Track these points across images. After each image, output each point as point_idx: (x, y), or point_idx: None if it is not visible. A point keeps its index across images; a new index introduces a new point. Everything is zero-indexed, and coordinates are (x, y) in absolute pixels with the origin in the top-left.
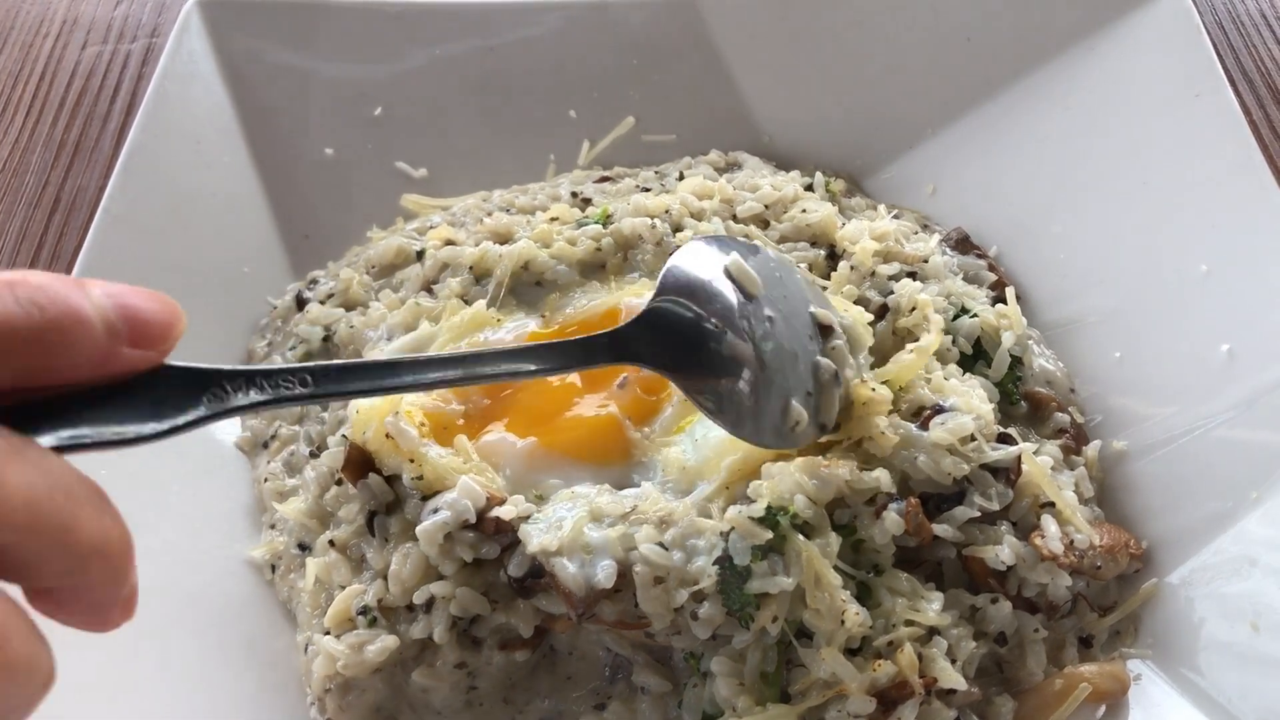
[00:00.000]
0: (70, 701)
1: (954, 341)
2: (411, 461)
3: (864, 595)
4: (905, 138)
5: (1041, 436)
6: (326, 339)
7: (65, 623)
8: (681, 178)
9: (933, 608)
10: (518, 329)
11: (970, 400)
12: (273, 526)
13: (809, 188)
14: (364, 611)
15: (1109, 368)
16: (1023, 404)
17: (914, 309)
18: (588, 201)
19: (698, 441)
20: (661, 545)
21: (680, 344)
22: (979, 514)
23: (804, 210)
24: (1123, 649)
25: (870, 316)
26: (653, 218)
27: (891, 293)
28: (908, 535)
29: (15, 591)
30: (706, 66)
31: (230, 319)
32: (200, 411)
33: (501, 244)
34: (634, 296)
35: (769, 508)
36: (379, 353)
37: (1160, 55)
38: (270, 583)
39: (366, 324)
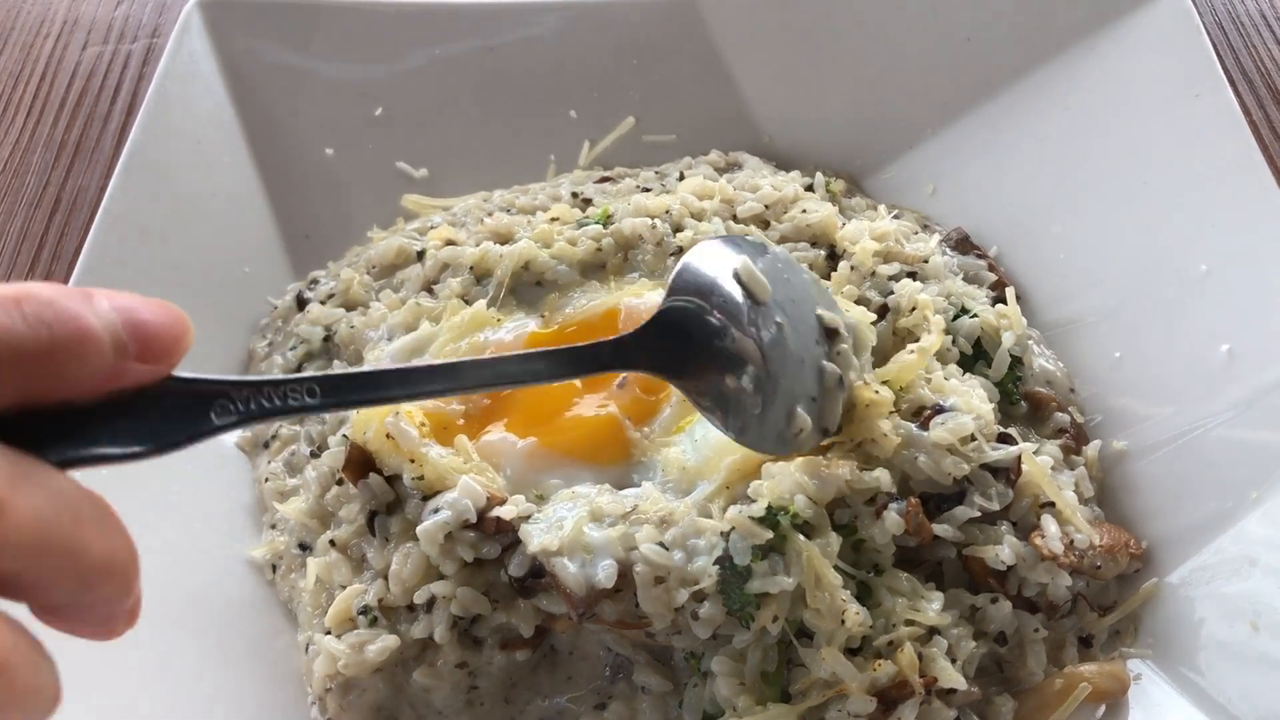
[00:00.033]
0: (70, 701)
1: (954, 341)
2: (412, 461)
3: (864, 595)
4: (905, 138)
5: (1041, 436)
6: (327, 339)
7: (70, 634)
8: (682, 178)
9: (933, 607)
10: (518, 329)
11: (970, 400)
12: (273, 526)
13: (809, 188)
14: (365, 611)
15: (1109, 368)
16: (1023, 404)
17: (914, 309)
18: (588, 202)
19: (697, 442)
20: (662, 545)
21: (688, 351)
22: (979, 514)
23: (804, 210)
24: (1123, 649)
25: (873, 316)
26: (653, 218)
27: (891, 293)
28: (908, 535)
29: (20, 609)
30: (707, 67)
31: (231, 319)
32: (207, 424)
33: (502, 244)
34: (634, 296)
35: (769, 508)
36: (379, 352)
37: (1160, 55)
38: (271, 583)
39: (367, 324)
